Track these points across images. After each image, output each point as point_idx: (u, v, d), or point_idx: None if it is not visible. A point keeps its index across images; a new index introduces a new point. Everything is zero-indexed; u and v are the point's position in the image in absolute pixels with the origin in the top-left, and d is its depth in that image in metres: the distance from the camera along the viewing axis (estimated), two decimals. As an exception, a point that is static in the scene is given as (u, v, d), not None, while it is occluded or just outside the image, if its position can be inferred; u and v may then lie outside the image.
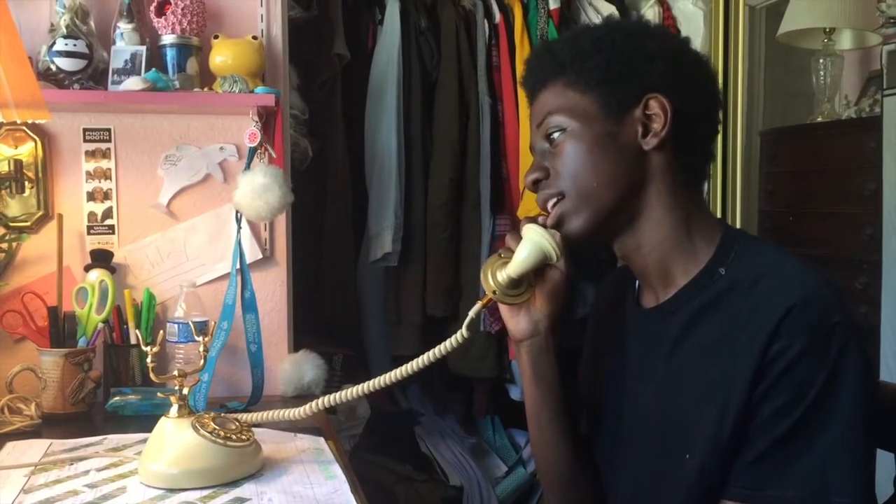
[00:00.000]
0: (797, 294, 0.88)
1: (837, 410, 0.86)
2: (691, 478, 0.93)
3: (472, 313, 1.04)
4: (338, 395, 1.15)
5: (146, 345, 1.19)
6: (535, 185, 1.03)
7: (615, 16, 2.42)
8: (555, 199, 1.00)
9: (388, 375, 1.11)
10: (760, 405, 0.88)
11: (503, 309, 1.06)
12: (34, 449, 1.30)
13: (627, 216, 1.00)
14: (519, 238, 1.02)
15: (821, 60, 2.79)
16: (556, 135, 1.00)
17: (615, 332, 1.11)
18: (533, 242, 1.00)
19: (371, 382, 1.13)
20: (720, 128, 1.07)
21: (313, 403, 1.17)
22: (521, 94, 2.37)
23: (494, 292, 1.03)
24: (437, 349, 1.07)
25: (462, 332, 1.05)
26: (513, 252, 1.02)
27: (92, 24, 1.61)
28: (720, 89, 1.04)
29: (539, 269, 1.03)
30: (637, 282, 1.10)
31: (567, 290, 1.05)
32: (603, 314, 1.18)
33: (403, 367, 1.10)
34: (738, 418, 0.90)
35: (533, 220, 1.02)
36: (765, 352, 0.87)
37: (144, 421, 1.35)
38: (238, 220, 1.61)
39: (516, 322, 1.05)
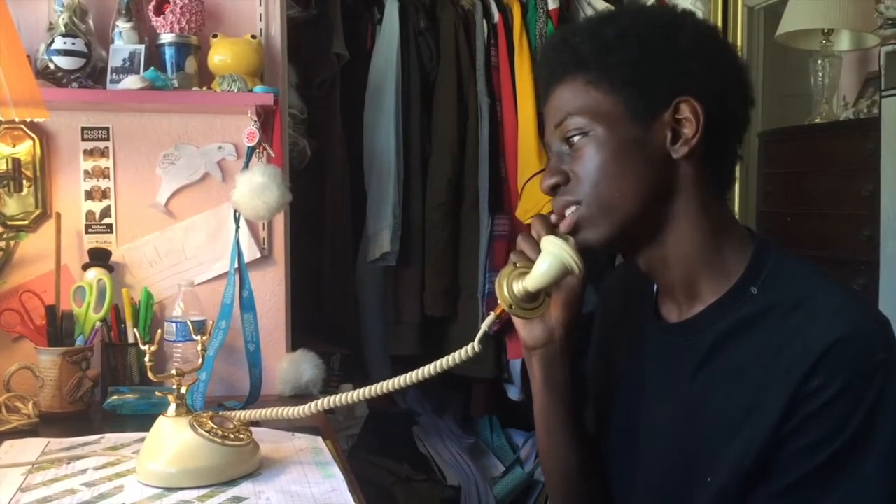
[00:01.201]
0: (840, 329, 0.83)
1: (870, 455, 0.82)
2: (710, 501, 0.90)
3: (484, 326, 0.99)
4: (340, 397, 1.14)
5: (144, 344, 1.19)
6: (553, 190, 0.96)
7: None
8: (573, 207, 0.94)
9: (391, 382, 1.07)
10: (791, 438, 0.85)
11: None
12: (31, 448, 1.30)
13: (651, 228, 0.94)
14: (531, 242, 0.97)
15: (819, 61, 2.79)
16: (576, 138, 0.93)
17: (631, 339, 1.07)
18: (553, 256, 0.93)
19: (374, 387, 1.09)
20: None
21: (314, 403, 1.16)
22: (521, 94, 2.38)
23: (511, 306, 0.97)
24: (445, 360, 1.02)
25: (474, 346, 1.00)
26: (527, 260, 0.97)
27: (90, 22, 1.61)
28: (752, 83, 0.97)
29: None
30: (655, 287, 1.05)
31: (583, 296, 1.01)
32: (614, 316, 1.14)
33: (409, 375, 1.06)
34: (766, 447, 0.86)
35: (547, 221, 0.96)
36: (801, 386, 0.83)
37: (142, 420, 1.35)
38: (236, 220, 1.61)
39: (530, 330, 1.01)
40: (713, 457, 0.90)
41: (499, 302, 0.98)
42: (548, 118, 0.99)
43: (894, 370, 0.83)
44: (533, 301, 0.98)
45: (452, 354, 1.02)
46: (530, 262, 0.96)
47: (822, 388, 0.82)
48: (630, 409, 1.05)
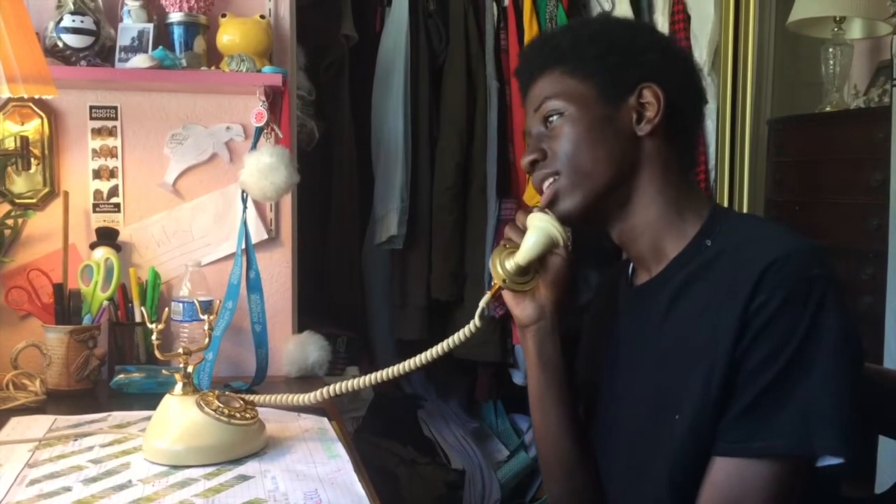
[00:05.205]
0: (776, 250, 0.91)
1: (818, 360, 0.88)
2: (682, 438, 0.94)
3: (482, 303, 1.08)
4: (348, 383, 1.15)
5: (151, 323, 1.19)
6: (532, 167, 1.06)
7: None
8: (551, 179, 1.04)
9: (398, 367, 1.12)
10: (744, 359, 0.91)
11: (507, 296, 1.09)
12: (39, 424, 1.30)
13: (620, 199, 1.04)
14: (518, 228, 1.06)
15: (830, 49, 2.76)
16: (553, 118, 1.04)
17: (610, 321, 1.14)
18: (539, 229, 1.02)
19: (380, 373, 1.13)
20: (706, 121, 1.11)
21: (323, 390, 1.17)
22: (529, 78, 2.36)
23: (504, 281, 1.05)
24: (449, 340, 1.09)
25: (475, 323, 1.08)
26: (516, 241, 1.05)
27: (99, 0, 1.61)
28: (703, 84, 1.12)
29: (542, 257, 1.05)
30: (631, 266, 1.13)
31: (569, 275, 1.08)
32: (599, 305, 1.21)
33: (414, 359, 1.11)
34: (725, 374, 0.91)
35: (531, 210, 1.06)
36: (747, 307, 0.90)
37: (148, 399, 1.36)
38: (244, 200, 1.61)
39: (522, 308, 1.08)
40: (679, 395, 0.96)
41: (493, 280, 1.07)
42: (528, 107, 1.10)
43: (830, 283, 0.90)
44: (524, 275, 1.06)
45: (454, 335, 1.09)
46: (519, 243, 1.05)
47: (765, 304, 0.89)
48: (610, 384, 1.10)
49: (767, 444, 0.89)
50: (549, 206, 1.04)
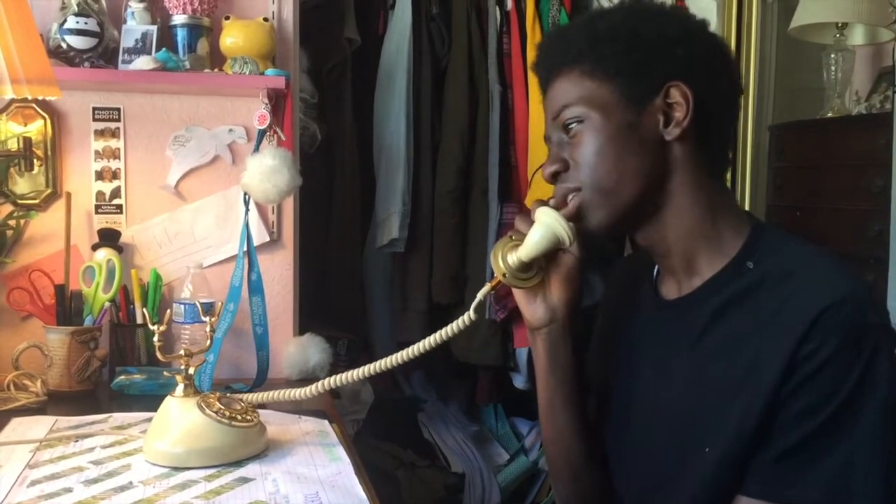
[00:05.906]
0: (832, 294, 0.86)
1: (865, 413, 0.84)
2: (708, 471, 0.91)
3: (480, 295, 1.03)
4: (343, 376, 1.15)
5: (153, 324, 1.19)
6: (554, 178, 1.00)
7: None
8: (575, 194, 0.98)
9: (393, 357, 1.10)
10: (787, 403, 0.86)
11: (518, 296, 1.04)
12: (39, 425, 1.30)
13: (650, 209, 0.98)
14: (529, 221, 1.00)
15: (832, 55, 2.76)
16: (574, 126, 0.97)
17: (630, 322, 1.09)
18: (545, 226, 0.97)
19: (376, 364, 1.12)
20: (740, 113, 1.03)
21: (318, 384, 1.17)
22: (532, 82, 2.37)
23: (504, 275, 1.00)
24: (443, 331, 1.07)
25: (469, 315, 1.05)
26: (523, 235, 1.00)
27: (103, 2, 1.61)
28: (740, 73, 1.01)
29: (551, 254, 1.01)
30: (655, 270, 1.07)
31: (581, 274, 1.02)
32: (615, 303, 1.16)
33: (409, 349, 1.09)
34: (764, 413, 0.87)
35: (544, 203, 1.00)
36: (796, 350, 0.85)
37: (149, 400, 1.36)
38: (246, 203, 1.61)
39: (533, 310, 1.03)
40: (712, 427, 0.92)
41: (494, 273, 1.02)
42: (546, 112, 1.03)
43: (885, 332, 0.86)
44: (527, 272, 1.01)
45: (450, 325, 1.06)
46: (525, 236, 1.00)
47: (816, 351, 0.85)
48: (629, 389, 1.06)
49: (802, 493, 0.86)
50: (574, 219, 0.97)
